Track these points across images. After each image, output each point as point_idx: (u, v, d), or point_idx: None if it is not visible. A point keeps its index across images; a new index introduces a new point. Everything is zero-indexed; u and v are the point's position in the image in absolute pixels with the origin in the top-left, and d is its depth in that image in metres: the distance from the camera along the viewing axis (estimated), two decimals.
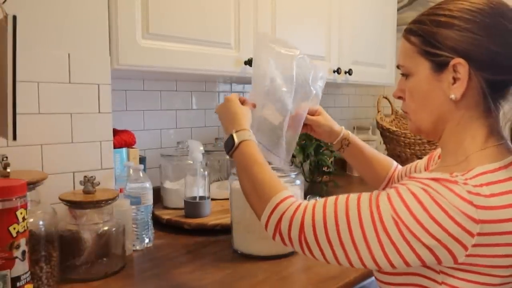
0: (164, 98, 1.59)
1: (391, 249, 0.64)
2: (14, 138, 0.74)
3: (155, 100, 1.56)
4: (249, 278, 0.95)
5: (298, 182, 1.10)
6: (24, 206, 0.72)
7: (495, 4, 0.69)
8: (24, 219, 0.71)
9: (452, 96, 0.70)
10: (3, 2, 0.76)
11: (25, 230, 0.72)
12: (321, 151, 1.72)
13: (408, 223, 0.63)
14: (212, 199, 1.38)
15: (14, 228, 0.70)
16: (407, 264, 0.65)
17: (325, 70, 1.22)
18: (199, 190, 1.31)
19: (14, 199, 0.69)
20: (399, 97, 0.81)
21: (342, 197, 0.71)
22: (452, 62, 0.69)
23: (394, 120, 2.16)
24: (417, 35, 0.74)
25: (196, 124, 1.71)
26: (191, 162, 1.34)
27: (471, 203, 0.61)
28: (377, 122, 2.00)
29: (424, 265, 0.66)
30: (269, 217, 0.75)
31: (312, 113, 1.09)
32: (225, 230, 1.20)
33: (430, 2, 2.39)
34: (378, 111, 2.06)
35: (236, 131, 0.86)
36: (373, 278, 1.02)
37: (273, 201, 0.75)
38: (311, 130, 1.11)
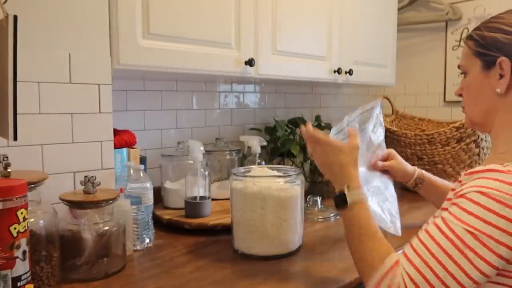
0: (164, 98, 1.59)
1: (479, 262, 0.69)
2: (15, 138, 0.74)
3: (155, 100, 1.56)
4: (250, 278, 0.95)
5: (298, 182, 1.10)
6: (25, 206, 0.72)
7: None
8: (24, 219, 0.71)
9: (498, 90, 0.81)
10: (4, 2, 0.76)
11: (25, 230, 0.72)
12: None
13: (482, 229, 0.69)
14: (213, 199, 1.38)
15: (15, 228, 0.70)
16: (495, 267, 0.69)
17: (377, 103, 1.20)
18: (199, 190, 1.31)
19: (14, 199, 0.69)
20: (460, 95, 0.91)
21: (418, 245, 0.74)
22: (498, 60, 0.80)
23: (394, 120, 2.15)
24: (473, 39, 0.86)
25: (197, 124, 1.71)
26: (192, 162, 1.34)
27: None
28: None
29: (504, 260, 0.70)
30: (377, 284, 0.77)
31: (385, 158, 1.22)
32: (226, 230, 1.20)
33: (431, 2, 2.39)
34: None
35: (348, 188, 0.89)
36: None
37: (380, 272, 0.77)
38: (389, 174, 1.22)
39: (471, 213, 0.70)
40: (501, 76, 0.80)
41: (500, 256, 0.69)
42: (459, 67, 0.91)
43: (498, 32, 0.81)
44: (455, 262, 0.69)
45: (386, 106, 2.15)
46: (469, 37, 0.87)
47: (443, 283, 0.70)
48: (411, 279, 0.72)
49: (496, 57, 0.80)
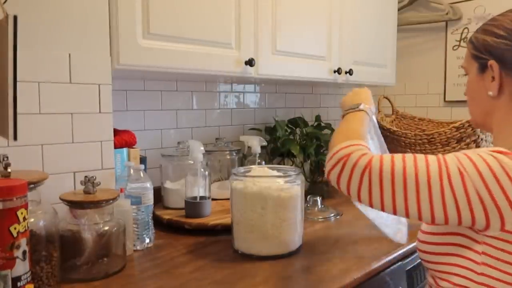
0: (164, 98, 1.59)
1: (451, 202, 0.70)
2: (15, 138, 0.74)
3: (155, 100, 1.56)
4: (250, 278, 0.95)
5: (298, 182, 1.10)
6: (25, 206, 0.72)
7: None
8: (24, 219, 0.71)
9: (490, 93, 0.83)
10: (4, 2, 0.76)
11: (25, 230, 0.72)
12: (321, 151, 1.73)
13: (473, 177, 0.70)
14: (213, 199, 1.38)
15: (15, 228, 0.70)
16: (459, 220, 0.71)
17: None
18: (199, 190, 1.31)
19: (14, 199, 0.69)
20: (466, 94, 0.94)
21: (408, 154, 0.77)
22: (489, 63, 0.82)
23: (394, 120, 2.15)
24: (471, 41, 0.88)
25: (197, 124, 1.71)
26: (192, 162, 1.34)
27: None
28: (378, 122, 2.00)
29: (473, 226, 0.72)
30: (338, 150, 0.83)
31: None
32: (226, 230, 1.20)
33: (431, 2, 2.39)
34: (379, 111, 2.06)
35: (365, 105, 1.02)
36: (373, 278, 1.02)
37: (349, 142, 0.84)
38: None
39: (473, 162, 0.71)
40: (493, 78, 0.82)
41: (472, 211, 0.70)
42: (463, 67, 0.93)
43: (490, 35, 0.83)
44: (429, 182, 0.71)
45: (386, 106, 2.15)
46: (469, 40, 0.89)
47: (405, 185, 0.73)
48: (381, 158, 0.77)
49: (487, 60, 0.82)
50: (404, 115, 2.17)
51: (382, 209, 0.77)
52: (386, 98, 2.10)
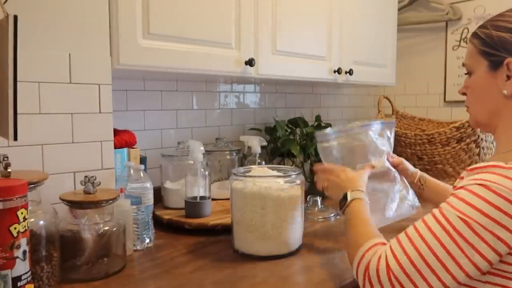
0: (164, 98, 1.59)
1: (471, 252, 0.68)
2: (15, 138, 0.74)
3: (155, 100, 1.57)
4: (250, 278, 0.95)
5: (298, 182, 1.10)
6: (25, 206, 0.72)
7: None
8: (25, 219, 0.71)
9: (505, 91, 0.79)
10: (4, 2, 0.76)
11: (26, 230, 0.72)
12: None
13: (476, 218, 0.68)
14: (213, 199, 1.38)
15: (15, 228, 0.70)
16: (490, 263, 0.69)
17: (377, 121, 1.23)
18: (199, 190, 1.31)
19: (15, 199, 0.69)
20: (463, 94, 0.91)
21: (410, 229, 0.76)
22: (506, 61, 0.78)
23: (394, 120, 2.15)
24: (478, 37, 0.84)
25: (197, 124, 1.71)
26: (192, 162, 1.34)
27: None
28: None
29: (501, 257, 0.70)
30: (358, 264, 0.80)
31: (396, 164, 1.20)
32: (226, 230, 1.20)
33: (431, 2, 2.39)
34: (379, 111, 2.06)
35: (351, 191, 0.97)
36: None
37: (362, 250, 0.80)
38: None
39: (467, 203, 0.70)
40: (508, 77, 0.79)
41: (495, 251, 0.68)
42: (463, 65, 0.89)
43: (507, 32, 0.79)
44: (444, 247, 0.69)
45: (386, 106, 2.15)
46: (475, 35, 0.85)
47: (428, 265, 0.70)
48: (393, 253, 0.74)
49: (504, 58, 0.79)
50: (404, 115, 2.17)
51: None
52: (386, 98, 2.10)
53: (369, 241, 0.81)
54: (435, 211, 0.74)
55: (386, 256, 0.75)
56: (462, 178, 0.78)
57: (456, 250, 0.69)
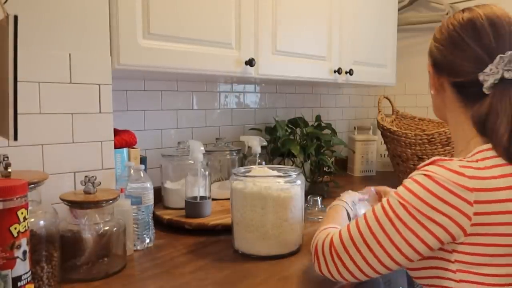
0: (165, 98, 1.59)
1: (410, 236, 0.73)
2: (15, 138, 0.74)
3: (156, 100, 1.57)
4: (250, 278, 0.95)
5: (298, 182, 1.10)
6: (25, 206, 0.72)
7: (465, 24, 0.81)
8: (25, 219, 0.71)
9: (431, 91, 0.92)
10: (4, 2, 0.76)
11: (26, 230, 0.72)
12: (321, 151, 1.73)
13: (415, 204, 0.73)
14: (213, 199, 1.38)
15: (15, 228, 0.70)
16: (429, 247, 0.74)
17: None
18: (200, 190, 1.31)
19: (15, 199, 0.69)
20: None
21: (360, 216, 0.82)
22: (428, 65, 0.91)
23: (394, 120, 2.16)
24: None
25: (197, 124, 1.71)
26: (192, 162, 1.34)
27: (463, 174, 0.72)
28: (378, 122, 2.00)
29: (442, 244, 0.74)
30: (312, 241, 0.89)
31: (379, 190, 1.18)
32: (226, 230, 1.20)
33: (431, 2, 2.39)
34: (379, 111, 2.06)
35: (338, 200, 1.08)
36: (373, 278, 1.02)
37: (318, 230, 0.91)
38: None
39: (409, 190, 0.74)
40: (431, 78, 0.90)
41: (434, 235, 0.72)
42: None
43: (433, 40, 0.89)
44: (383, 229, 0.75)
45: (386, 106, 2.15)
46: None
47: (366, 243, 0.76)
48: (339, 233, 0.82)
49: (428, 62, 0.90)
50: (404, 115, 2.17)
51: (364, 275, 0.80)
52: (386, 98, 2.10)
53: (324, 226, 0.91)
54: (384, 199, 0.78)
55: (333, 234, 0.83)
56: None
57: (395, 233, 0.74)
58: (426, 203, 0.72)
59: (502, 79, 0.76)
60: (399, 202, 0.74)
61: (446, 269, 0.76)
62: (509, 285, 0.74)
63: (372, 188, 1.18)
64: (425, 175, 0.74)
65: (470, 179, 0.71)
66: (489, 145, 0.77)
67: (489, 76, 0.77)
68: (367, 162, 2.27)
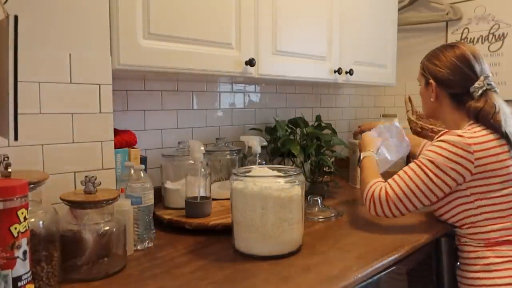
0: (165, 98, 1.59)
1: (438, 181, 1.20)
2: (16, 138, 0.74)
3: (156, 100, 1.57)
4: (250, 278, 0.95)
5: (298, 182, 1.10)
6: (25, 206, 0.72)
7: (459, 56, 1.30)
8: (25, 219, 0.71)
9: (431, 99, 1.35)
10: (5, 2, 0.76)
11: (26, 230, 0.72)
12: (322, 151, 1.72)
13: (438, 159, 1.19)
14: (213, 199, 1.38)
15: (15, 228, 0.70)
16: (449, 187, 1.20)
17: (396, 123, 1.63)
18: (200, 190, 1.31)
19: (15, 199, 0.69)
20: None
21: (401, 172, 1.26)
22: (430, 81, 1.34)
23: (417, 118, 2.13)
24: (421, 63, 1.41)
25: (197, 124, 1.71)
26: (192, 162, 1.34)
27: (463, 136, 1.19)
28: (411, 121, 1.97)
29: (457, 184, 1.20)
30: (366, 193, 1.30)
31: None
32: (226, 230, 1.20)
33: (431, 2, 2.39)
34: (407, 111, 2.03)
35: (364, 151, 1.47)
36: (373, 279, 1.02)
37: (369, 185, 1.30)
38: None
39: (433, 151, 1.21)
40: (432, 90, 1.34)
41: (453, 179, 1.19)
42: (418, 79, 1.43)
43: (431, 64, 1.34)
44: (422, 180, 1.21)
45: (387, 106, 2.14)
46: (421, 62, 1.40)
47: (412, 192, 1.21)
48: (390, 186, 1.25)
49: (429, 78, 1.35)
50: (421, 115, 2.15)
51: (408, 211, 1.25)
52: (409, 98, 2.08)
53: (373, 180, 1.31)
54: (416, 160, 1.24)
55: (385, 187, 1.25)
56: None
57: (429, 181, 1.20)
58: (446, 157, 1.18)
59: (486, 90, 1.26)
60: (428, 160, 1.20)
61: (467, 203, 1.22)
62: None
63: (384, 125, 1.60)
64: (441, 140, 1.21)
65: (469, 139, 1.18)
66: (472, 122, 1.25)
67: (477, 89, 1.26)
68: None
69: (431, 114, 1.41)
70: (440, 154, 1.18)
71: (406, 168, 1.24)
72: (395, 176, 1.25)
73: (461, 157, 1.17)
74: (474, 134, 1.20)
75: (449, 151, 1.17)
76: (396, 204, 1.22)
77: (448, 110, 1.33)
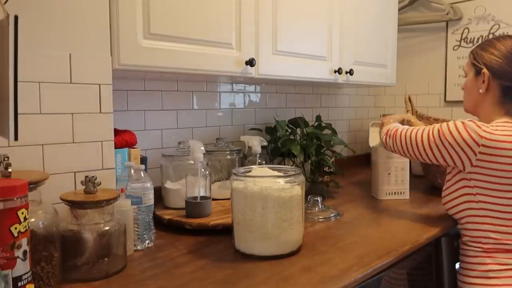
0: (165, 98, 1.59)
1: (435, 148, 1.24)
2: (16, 138, 0.74)
3: (156, 100, 1.57)
4: (250, 278, 0.95)
5: (299, 182, 1.10)
6: (26, 206, 0.72)
7: None
8: (25, 219, 0.72)
9: (480, 90, 1.28)
10: (5, 2, 0.76)
11: (26, 230, 0.72)
12: (322, 151, 1.72)
13: (446, 133, 1.21)
14: (213, 199, 1.38)
15: (16, 228, 0.70)
16: (445, 161, 1.23)
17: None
18: (200, 190, 1.31)
19: (15, 199, 0.70)
20: (463, 89, 1.38)
21: (420, 129, 1.31)
22: (483, 71, 1.26)
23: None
24: (471, 53, 1.33)
25: (197, 124, 1.71)
26: (192, 162, 1.34)
27: (480, 127, 1.17)
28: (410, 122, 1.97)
29: (455, 165, 1.23)
30: (384, 134, 1.44)
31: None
32: (226, 230, 1.20)
33: (431, 2, 2.39)
34: (407, 111, 2.02)
35: (389, 124, 1.51)
36: (373, 279, 1.02)
37: (385, 128, 1.47)
38: None
39: (448, 126, 1.21)
40: (483, 81, 1.26)
41: (450, 156, 1.21)
42: (464, 70, 1.36)
43: (486, 52, 1.26)
44: (423, 139, 1.27)
45: (387, 106, 2.14)
46: (471, 51, 1.33)
47: (423, 146, 1.27)
48: (402, 131, 1.36)
49: (481, 69, 1.26)
50: (421, 115, 2.15)
51: (411, 157, 1.35)
52: (409, 98, 2.08)
53: (390, 125, 1.45)
54: (436, 125, 1.26)
55: (410, 131, 1.33)
56: None
57: (426, 144, 1.26)
58: (453, 136, 1.19)
59: None
60: (438, 129, 1.23)
61: (469, 194, 1.23)
62: None
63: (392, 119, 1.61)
64: (462, 122, 1.20)
65: (484, 132, 1.15)
66: (506, 120, 1.21)
67: None
68: (396, 181, 1.72)
69: (472, 108, 1.34)
70: (450, 132, 1.19)
71: (422, 126, 1.35)
72: (413, 129, 1.33)
73: (467, 144, 1.16)
74: (494, 131, 1.15)
75: (459, 132, 1.18)
76: (408, 145, 1.32)
77: (492, 104, 1.26)
